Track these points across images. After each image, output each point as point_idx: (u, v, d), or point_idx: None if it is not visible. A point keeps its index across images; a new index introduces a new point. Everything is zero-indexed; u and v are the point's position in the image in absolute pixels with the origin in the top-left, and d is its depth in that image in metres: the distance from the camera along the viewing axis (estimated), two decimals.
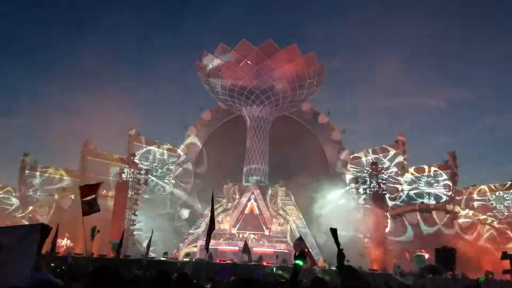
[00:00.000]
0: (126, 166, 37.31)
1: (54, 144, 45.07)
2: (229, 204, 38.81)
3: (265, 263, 26.57)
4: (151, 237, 20.53)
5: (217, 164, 39.81)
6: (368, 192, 37.05)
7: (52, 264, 16.30)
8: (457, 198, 39.11)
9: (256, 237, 36.30)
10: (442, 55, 79.51)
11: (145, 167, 40.33)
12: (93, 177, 41.65)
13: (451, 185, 39.43)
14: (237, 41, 39.36)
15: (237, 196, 38.84)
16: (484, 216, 35.90)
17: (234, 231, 36.94)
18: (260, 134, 41.03)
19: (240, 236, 35.76)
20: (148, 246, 20.14)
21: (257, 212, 38.03)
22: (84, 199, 13.11)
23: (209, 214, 9.70)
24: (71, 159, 43.77)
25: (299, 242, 19.84)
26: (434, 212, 37.12)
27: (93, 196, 13.24)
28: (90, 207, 13.16)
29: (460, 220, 36.27)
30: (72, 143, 44.29)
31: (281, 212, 38.26)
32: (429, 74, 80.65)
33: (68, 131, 50.62)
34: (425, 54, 77.90)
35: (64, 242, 33.05)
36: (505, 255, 15.70)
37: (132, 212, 35.52)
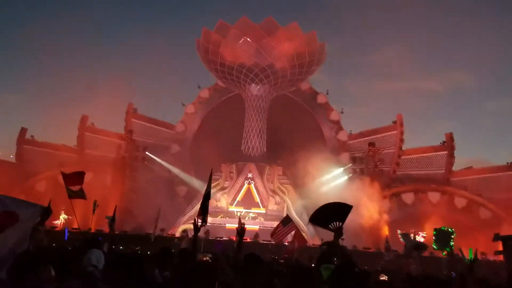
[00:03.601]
0: (124, 142, 37.27)
1: (52, 120, 45.03)
2: (226, 182, 38.99)
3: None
4: (158, 214, 20.87)
5: (215, 142, 39.71)
6: (365, 172, 37.27)
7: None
8: (453, 179, 39.33)
9: (253, 215, 36.70)
10: (442, 38, 78.69)
11: (143, 144, 40.31)
12: (90, 153, 41.75)
13: (447, 166, 39.66)
14: (237, 18, 38.82)
15: (235, 175, 38.99)
16: (480, 198, 36.22)
17: (231, 208, 37.30)
18: (259, 113, 40.86)
19: (238, 214, 36.09)
20: (156, 223, 20.45)
21: (254, 190, 38.30)
22: (69, 187, 12.71)
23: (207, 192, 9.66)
24: (69, 135, 43.63)
25: (289, 225, 19.03)
26: (429, 193, 37.45)
27: (79, 187, 12.84)
28: (76, 193, 12.89)
29: (456, 201, 36.62)
30: (70, 119, 44.16)
31: (278, 191, 38.49)
32: (429, 57, 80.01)
33: (66, 107, 50.38)
34: (425, 38, 77.04)
35: (61, 217, 33.20)
36: (497, 237, 15.93)
37: (129, 188, 35.68)
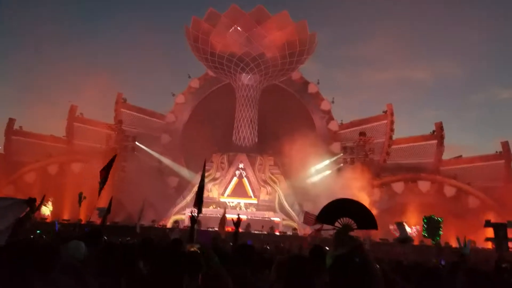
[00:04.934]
0: (114, 133, 36.93)
1: (40, 111, 44.42)
2: (218, 173, 38.93)
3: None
4: (142, 206, 20.82)
5: (206, 132, 39.52)
6: (355, 161, 37.42)
7: (38, 231, 16.25)
8: (442, 168, 39.67)
9: (244, 205, 36.74)
10: (430, 29, 78.87)
11: (133, 135, 39.98)
12: (79, 143, 41.34)
13: (437, 155, 39.98)
14: (227, 6, 38.40)
15: (226, 165, 38.92)
16: (469, 186, 36.62)
17: (222, 199, 37.28)
18: (249, 102, 40.71)
19: (231, 204, 36.14)
20: (140, 214, 20.37)
21: (246, 181, 38.30)
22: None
23: (198, 182, 9.60)
24: (58, 126, 43.10)
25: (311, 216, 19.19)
26: (419, 182, 37.76)
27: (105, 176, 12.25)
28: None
29: (445, 190, 36.99)
30: (59, 109, 43.62)
31: (269, 181, 38.54)
32: (417, 48, 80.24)
33: (55, 98, 49.75)
34: (413, 29, 77.20)
35: (48, 208, 32.86)
36: (488, 223, 16.16)
37: (120, 179, 35.43)
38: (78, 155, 38.55)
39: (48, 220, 30.01)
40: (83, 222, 25.85)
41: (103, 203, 23.04)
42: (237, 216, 7.26)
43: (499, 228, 14.83)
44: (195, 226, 6.57)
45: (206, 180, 39.66)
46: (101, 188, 11.70)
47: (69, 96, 49.21)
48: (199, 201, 7.52)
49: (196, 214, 6.74)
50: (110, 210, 14.91)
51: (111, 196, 15.44)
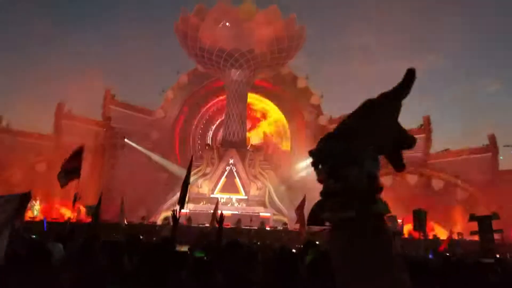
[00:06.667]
0: (102, 130, 36.62)
1: (27, 108, 43.76)
2: (208, 168, 38.86)
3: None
4: (122, 202, 21.16)
5: (195, 128, 39.50)
6: None
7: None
8: (430, 161, 40.10)
9: (235, 200, 36.77)
10: (418, 23, 79.40)
11: (122, 131, 39.68)
12: (67, 141, 40.84)
13: (425, 149, 40.40)
14: (215, 2, 38.19)
15: (216, 161, 38.87)
16: (457, 179, 37.08)
17: (213, 195, 37.22)
18: (239, 98, 40.64)
19: (222, 200, 36.11)
20: (122, 210, 20.51)
21: (236, 176, 38.30)
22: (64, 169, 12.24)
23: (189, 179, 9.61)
24: (46, 123, 42.55)
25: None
26: (407, 175, 38.13)
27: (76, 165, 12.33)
28: (70, 175, 12.36)
29: (433, 183, 37.42)
30: (47, 106, 43.03)
31: (259, 176, 38.60)
32: (405, 42, 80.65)
33: (42, 94, 49.07)
34: (402, 22, 77.63)
35: (36, 207, 32.52)
36: (472, 217, 16.41)
37: (109, 176, 35.22)
38: (66, 152, 38.10)
39: (36, 219, 29.70)
40: (72, 221, 25.67)
41: (91, 201, 22.98)
42: (221, 212, 7.28)
43: (484, 221, 15.05)
44: (184, 223, 6.58)
45: (196, 176, 39.67)
46: (69, 179, 11.65)
47: (57, 93, 48.58)
48: (182, 198, 7.52)
49: (178, 212, 6.66)
50: (99, 207, 14.81)
51: (100, 194, 15.31)
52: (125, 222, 20.48)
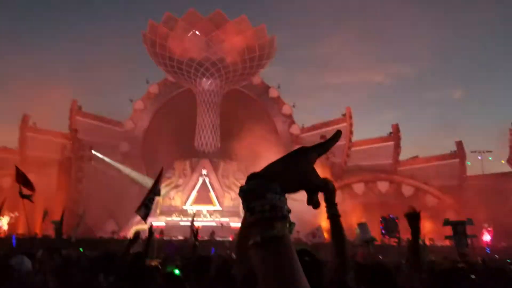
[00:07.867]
0: (69, 142, 35.52)
1: None
2: (180, 180, 38.23)
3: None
4: (81, 216, 20.68)
5: (167, 139, 38.78)
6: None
7: None
8: (400, 168, 40.86)
9: (208, 212, 36.21)
10: (385, 32, 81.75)
11: (89, 144, 38.56)
12: (33, 154, 39.37)
13: (394, 156, 41.18)
14: (184, 11, 38.00)
15: (189, 172, 38.30)
16: (426, 185, 37.85)
17: (185, 207, 36.58)
18: (211, 108, 40.35)
19: (194, 211, 35.48)
20: (77, 225, 19.88)
21: (209, 187, 37.80)
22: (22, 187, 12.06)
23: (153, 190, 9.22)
24: (10, 136, 40.95)
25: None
26: (378, 183, 38.70)
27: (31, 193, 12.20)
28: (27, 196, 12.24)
29: (404, 190, 38.06)
30: (10, 118, 41.48)
31: (233, 186, 38.25)
32: (373, 51, 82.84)
33: (6, 107, 47.33)
34: (370, 31, 79.80)
35: (4, 222, 31.13)
36: (447, 222, 16.72)
37: (77, 190, 34.11)
38: (31, 166, 36.70)
39: (2, 235, 28.38)
40: (39, 236, 24.67)
41: (59, 216, 22.05)
42: (197, 226, 7.12)
43: (458, 226, 15.35)
44: (157, 236, 6.40)
45: (168, 187, 38.94)
46: (25, 197, 11.62)
47: (22, 106, 46.97)
48: (146, 209, 7.22)
49: (152, 226, 6.51)
50: (63, 222, 14.26)
51: (63, 209, 14.76)
52: (74, 238, 19.38)
